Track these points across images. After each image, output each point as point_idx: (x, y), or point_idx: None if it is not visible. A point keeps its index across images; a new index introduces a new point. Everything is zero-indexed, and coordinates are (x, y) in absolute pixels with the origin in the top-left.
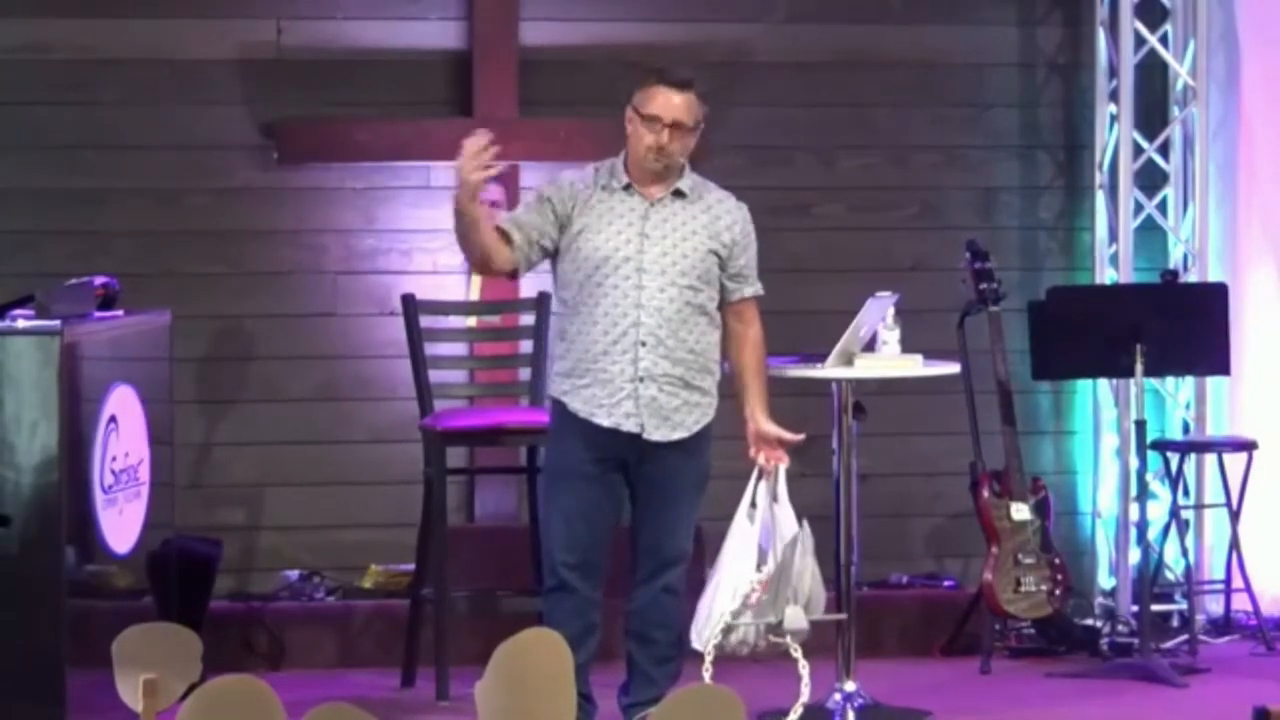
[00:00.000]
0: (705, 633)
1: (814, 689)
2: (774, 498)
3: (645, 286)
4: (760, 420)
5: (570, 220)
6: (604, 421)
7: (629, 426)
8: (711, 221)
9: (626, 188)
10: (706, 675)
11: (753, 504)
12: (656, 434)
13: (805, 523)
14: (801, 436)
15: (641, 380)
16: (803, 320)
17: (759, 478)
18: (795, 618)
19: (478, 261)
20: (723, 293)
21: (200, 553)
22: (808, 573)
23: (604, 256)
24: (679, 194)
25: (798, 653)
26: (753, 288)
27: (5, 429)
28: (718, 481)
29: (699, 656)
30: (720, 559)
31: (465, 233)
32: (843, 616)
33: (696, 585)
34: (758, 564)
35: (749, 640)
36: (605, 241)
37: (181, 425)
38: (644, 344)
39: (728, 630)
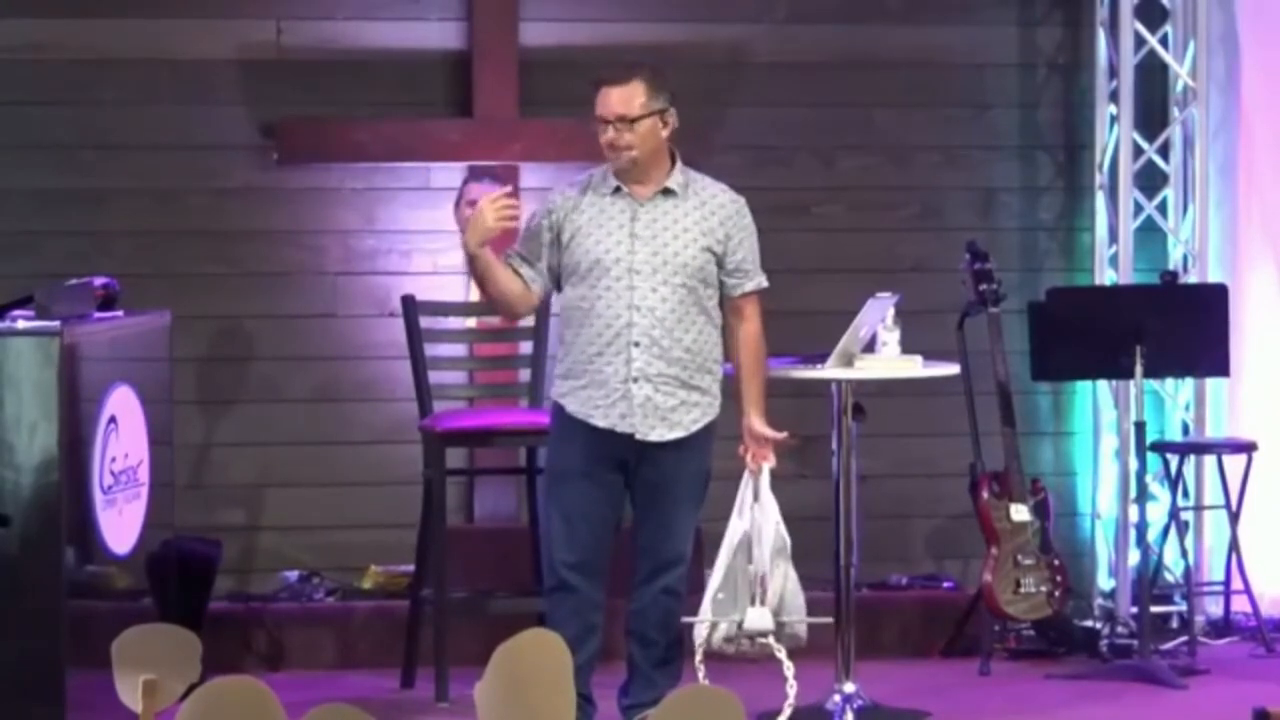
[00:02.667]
0: (693, 632)
1: (814, 690)
2: (755, 497)
3: (637, 287)
4: (751, 419)
5: (563, 230)
6: (600, 422)
7: (624, 428)
8: (704, 218)
9: (616, 190)
10: (700, 674)
11: (741, 504)
12: (652, 434)
13: (780, 524)
14: (785, 435)
15: (635, 381)
16: (803, 321)
17: (748, 477)
18: (759, 619)
19: (503, 310)
20: (723, 289)
21: (200, 553)
22: (780, 574)
23: (595, 259)
24: (668, 192)
25: (781, 653)
26: (754, 282)
27: (5, 429)
28: (718, 482)
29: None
30: (718, 559)
31: (482, 279)
32: (828, 619)
33: (696, 586)
34: (748, 561)
35: (731, 638)
36: (596, 244)
37: (181, 425)
38: (637, 344)
39: (712, 628)
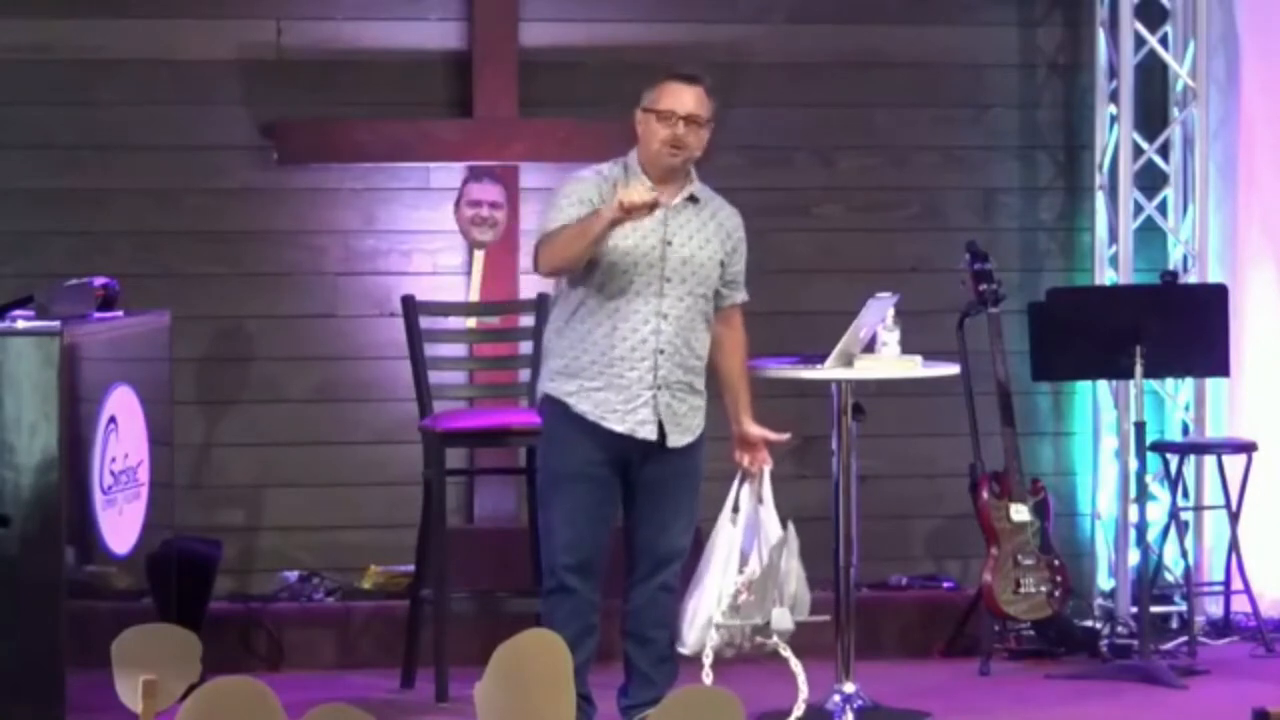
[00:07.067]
0: (691, 637)
1: (814, 690)
2: (759, 500)
3: (667, 295)
4: (746, 423)
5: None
6: (617, 427)
7: (644, 433)
8: (719, 228)
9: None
10: (707, 679)
11: (735, 508)
12: (669, 440)
13: (791, 525)
14: (787, 436)
15: (660, 388)
16: (802, 321)
17: (742, 481)
18: (781, 619)
19: (566, 267)
20: (716, 298)
21: (200, 553)
22: (793, 574)
23: (632, 262)
24: (692, 199)
25: (787, 651)
26: (741, 294)
27: (5, 429)
28: (712, 482)
29: (693, 659)
30: (703, 562)
31: (580, 249)
32: (826, 618)
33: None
34: (740, 567)
35: (734, 642)
36: (633, 246)
37: (181, 426)
38: (662, 352)
39: (719, 631)
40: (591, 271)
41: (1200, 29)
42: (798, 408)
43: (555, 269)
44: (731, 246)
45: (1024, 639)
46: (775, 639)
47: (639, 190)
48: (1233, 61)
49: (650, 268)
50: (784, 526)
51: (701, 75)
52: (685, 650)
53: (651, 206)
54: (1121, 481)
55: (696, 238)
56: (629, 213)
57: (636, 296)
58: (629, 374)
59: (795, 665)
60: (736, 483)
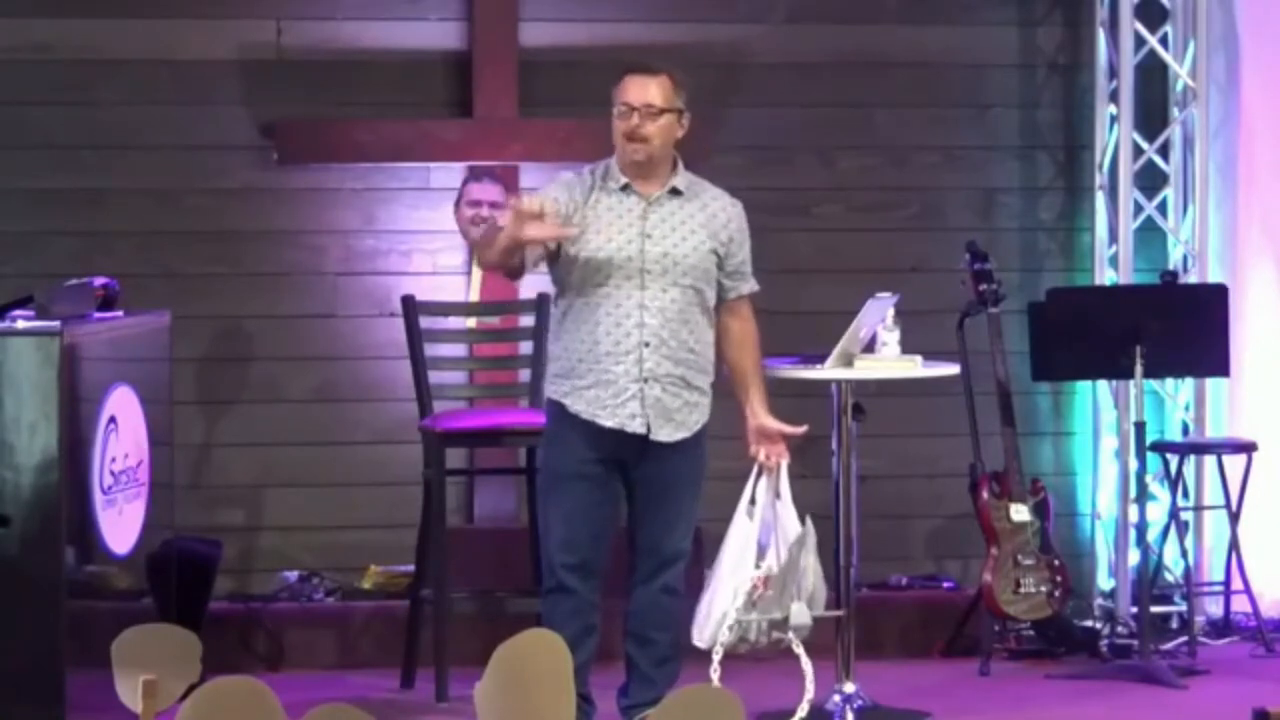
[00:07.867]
0: (707, 631)
1: (814, 689)
2: (777, 494)
3: (648, 287)
4: (762, 416)
5: (571, 222)
6: (608, 422)
7: (634, 427)
8: (709, 219)
9: (624, 187)
10: (715, 676)
11: (752, 501)
12: (662, 434)
13: (809, 520)
14: (804, 429)
15: (646, 381)
16: (802, 321)
17: (759, 475)
18: (800, 614)
19: (496, 267)
20: (719, 291)
21: (200, 553)
22: (810, 570)
23: (606, 258)
24: (675, 192)
25: (799, 649)
26: (749, 285)
27: (5, 429)
28: (716, 481)
29: (701, 656)
30: (720, 557)
31: (495, 253)
32: (840, 613)
33: (696, 585)
34: (756, 561)
35: (749, 638)
36: (607, 242)
37: (181, 426)
38: (648, 345)
39: (732, 628)
40: (574, 272)
41: (1200, 29)
42: (798, 408)
43: (483, 267)
44: (727, 237)
45: (1024, 639)
46: (792, 634)
47: (531, 200)
48: (1233, 61)
49: (629, 261)
50: (802, 522)
51: (660, 65)
52: (701, 645)
53: (552, 226)
54: (1121, 481)
55: (680, 230)
56: (521, 217)
57: (617, 291)
58: (615, 369)
59: (806, 663)
60: (753, 477)
